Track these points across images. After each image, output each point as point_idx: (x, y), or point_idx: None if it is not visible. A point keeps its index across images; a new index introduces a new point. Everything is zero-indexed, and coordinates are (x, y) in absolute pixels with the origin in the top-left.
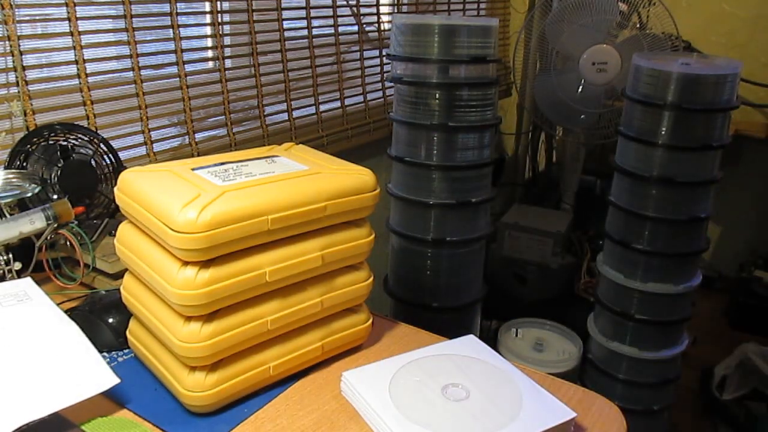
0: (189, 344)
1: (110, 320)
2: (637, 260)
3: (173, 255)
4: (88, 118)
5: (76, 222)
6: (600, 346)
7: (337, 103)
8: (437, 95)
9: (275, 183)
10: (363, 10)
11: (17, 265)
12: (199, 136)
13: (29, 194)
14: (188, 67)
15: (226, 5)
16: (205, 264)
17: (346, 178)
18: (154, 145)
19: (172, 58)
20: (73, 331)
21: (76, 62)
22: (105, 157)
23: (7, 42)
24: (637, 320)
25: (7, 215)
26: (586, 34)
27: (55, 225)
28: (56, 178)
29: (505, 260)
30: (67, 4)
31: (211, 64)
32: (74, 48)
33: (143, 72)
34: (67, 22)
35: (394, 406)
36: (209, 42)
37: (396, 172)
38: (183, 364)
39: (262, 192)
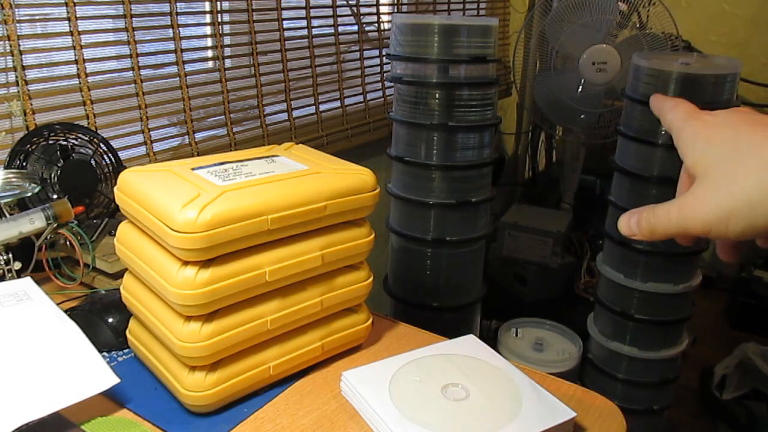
0: (189, 344)
1: (110, 320)
2: (637, 260)
3: (173, 255)
4: (88, 118)
5: (76, 222)
6: (600, 345)
7: (337, 103)
8: (437, 95)
9: (275, 183)
10: (363, 10)
11: (17, 265)
12: (199, 136)
13: (29, 194)
14: (188, 67)
15: (226, 5)
16: (205, 264)
17: (345, 178)
18: (154, 144)
19: (172, 58)
20: (73, 330)
21: (76, 62)
22: (105, 156)
23: (7, 42)
24: (637, 320)
25: (7, 215)
26: (586, 34)
27: (55, 225)
28: (56, 178)
29: (505, 260)
30: (67, 4)
31: (211, 64)
32: (74, 48)
33: (143, 72)
34: (67, 21)
35: (394, 406)
36: (209, 42)
37: (396, 172)
38: (183, 364)
39: (262, 192)
